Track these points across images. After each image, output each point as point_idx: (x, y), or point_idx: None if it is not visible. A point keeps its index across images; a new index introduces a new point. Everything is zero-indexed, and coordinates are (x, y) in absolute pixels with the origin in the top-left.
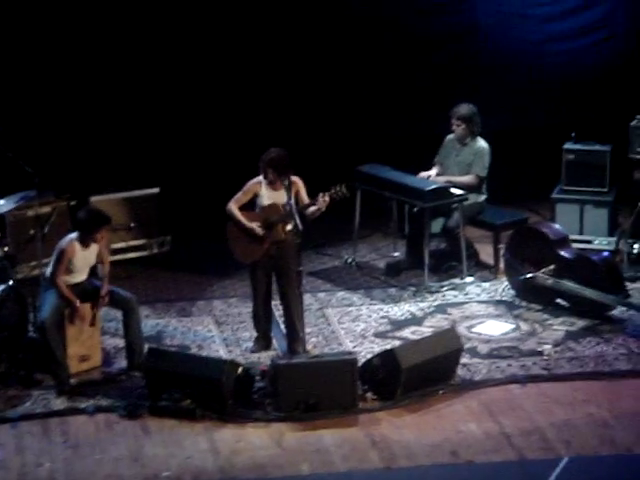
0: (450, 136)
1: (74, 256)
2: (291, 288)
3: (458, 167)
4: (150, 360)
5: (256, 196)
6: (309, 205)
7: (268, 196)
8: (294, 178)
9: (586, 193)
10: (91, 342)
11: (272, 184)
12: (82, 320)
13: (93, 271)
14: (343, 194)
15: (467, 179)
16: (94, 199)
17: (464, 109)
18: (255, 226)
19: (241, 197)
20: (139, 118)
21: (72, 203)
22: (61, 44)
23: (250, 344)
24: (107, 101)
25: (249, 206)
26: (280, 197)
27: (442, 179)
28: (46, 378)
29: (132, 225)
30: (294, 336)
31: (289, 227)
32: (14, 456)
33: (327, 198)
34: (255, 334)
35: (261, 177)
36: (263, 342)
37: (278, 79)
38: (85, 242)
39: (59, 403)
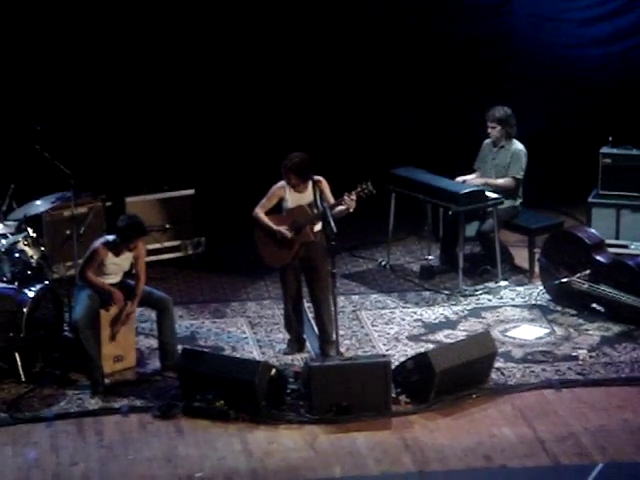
0: (487, 141)
1: (106, 258)
2: (321, 290)
3: (495, 170)
4: (184, 361)
5: (281, 200)
6: (335, 205)
7: (293, 199)
8: (317, 178)
9: (623, 197)
10: (125, 342)
11: (296, 187)
12: (119, 301)
13: (127, 273)
14: (370, 191)
15: (504, 181)
16: (129, 200)
17: (499, 111)
18: (283, 229)
19: (266, 203)
20: (175, 119)
21: (108, 204)
22: (99, 47)
23: (283, 346)
24: (144, 102)
25: (275, 210)
26: (305, 199)
27: (479, 181)
28: (81, 378)
29: (167, 226)
30: (326, 338)
31: (317, 228)
32: (49, 455)
33: (354, 196)
34: (288, 337)
35: (281, 182)
36: (296, 344)
37: (315, 80)
38: (118, 248)
39: (93, 403)
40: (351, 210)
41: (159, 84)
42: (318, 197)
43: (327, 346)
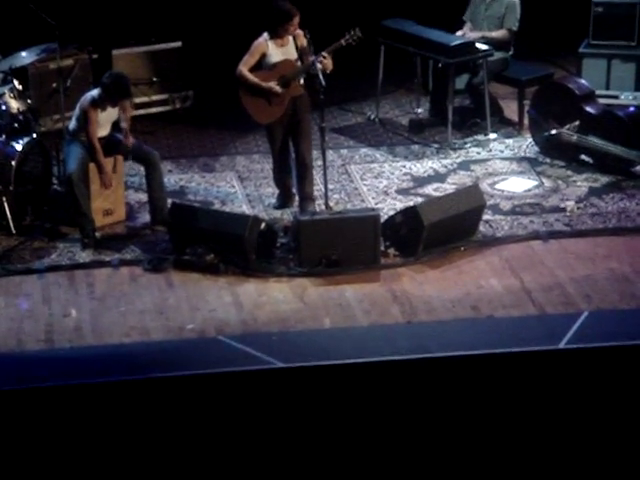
0: None
1: (95, 114)
2: (307, 149)
3: (487, 21)
4: (174, 215)
5: (264, 56)
6: (316, 60)
7: (276, 53)
8: (298, 31)
9: (614, 47)
10: (115, 196)
11: (277, 39)
12: (108, 184)
13: (115, 126)
14: (358, 37)
15: (501, 34)
16: (116, 52)
17: None
18: (273, 84)
19: (249, 59)
20: None
21: (94, 56)
22: None
23: (273, 200)
24: None
25: (257, 67)
26: (289, 52)
27: (475, 35)
28: (71, 231)
29: (154, 79)
30: (304, 196)
31: (302, 81)
32: (41, 306)
33: (343, 43)
34: (277, 191)
35: (265, 35)
36: (286, 199)
37: None
38: (105, 104)
39: (84, 256)
40: (327, 71)
41: None
42: (301, 50)
43: (306, 203)
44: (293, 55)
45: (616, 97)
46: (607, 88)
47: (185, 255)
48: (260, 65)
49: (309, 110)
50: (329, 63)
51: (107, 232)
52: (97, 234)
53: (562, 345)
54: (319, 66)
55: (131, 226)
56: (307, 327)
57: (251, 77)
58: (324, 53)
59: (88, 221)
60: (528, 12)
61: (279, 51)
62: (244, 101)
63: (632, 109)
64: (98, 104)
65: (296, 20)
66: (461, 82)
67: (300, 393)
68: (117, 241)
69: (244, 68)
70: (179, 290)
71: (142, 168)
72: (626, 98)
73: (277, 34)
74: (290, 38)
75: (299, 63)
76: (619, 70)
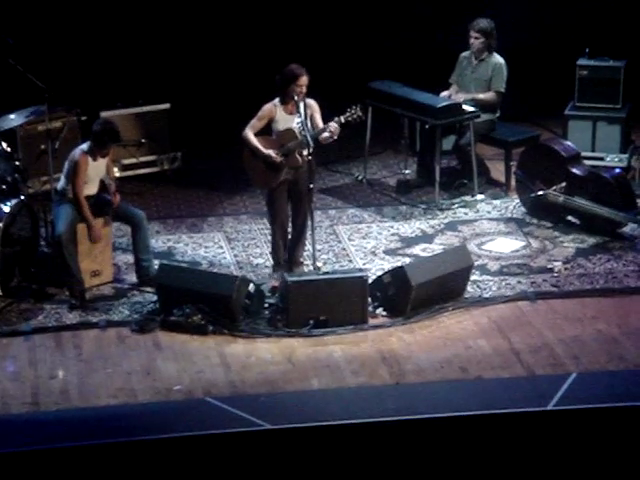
0: (464, 53)
1: (87, 166)
2: (304, 219)
3: (475, 83)
4: (161, 276)
5: (271, 121)
6: (323, 130)
7: (284, 120)
8: (309, 101)
9: (599, 109)
10: (102, 257)
11: (287, 105)
12: (97, 238)
13: (103, 186)
14: (359, 117)
15: (489, 96)
16: (105, 114)
17: (484, 22)
18: (273, 153)
19: (256, 123)
20: (150, 32)
21: (83, 118)
22: None
23: (261, 261)
24: (119, 15)
25: (265, 131)
26: (296, 121)
27: (464, 97)
28: (59, 292)
29: (143, 141)
30: (294, 260)
31: (305, 152)
32: (27, 368)
33: (343, 120)
34: (268, 251)
35: (276, 100)
36: (282, 268)
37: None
38: (95, 154)
39: (72, 317)
40: (335, 137)
41: None
42: (309, 120)
43: (295, 267)
44: (298, 122)
45: (602, 159)
46: (593, 150)
47: (172, 316)
48: (268, 129)
49: (313, 180)
50: (337, 130)
51: (95, 293)
52: (85, 295)
53: (551, 406)
54: (322, 135)
55: (119, 287)
56: (295, 388)
57: (254, 141)
58: (330, 128)
59: (77, 282)
60: (514, 74)
61: (286, 118)
62: (246, 163)
63: (618, 171)
64: (89, 155)
65: (302, 80)
66: (448, 143)
67: (288, 455)
68: (104, 302)
69: (250, 131)
70: (166, 351)
71: (129, 229)
72: (612, 160)
73: (285, 98)
74: (301, 105)
75: (304, 134)
76: (604, 132)
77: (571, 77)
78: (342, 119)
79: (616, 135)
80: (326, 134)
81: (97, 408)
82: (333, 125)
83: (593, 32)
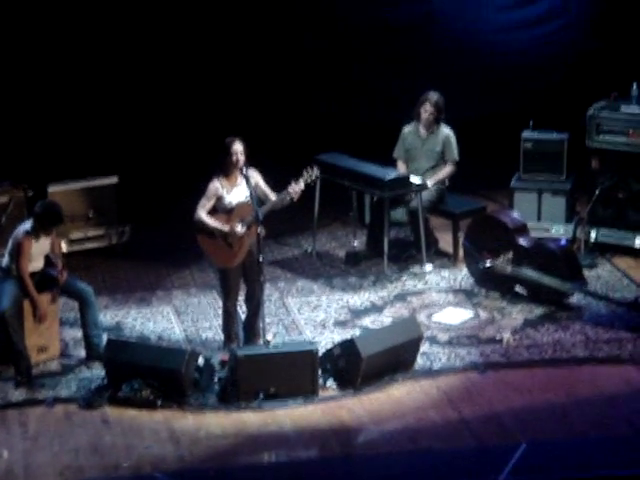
0: (408, 127)
1: (30, 247)
2: (261, 289)
3: (426, 156)
4: (109, 351)
5: (219, 199)
6: (283, 198)
7: (232, 195)
8: (250, 171)
9: (544, 181)
10: (49, 333)
11: (229, 177)
12: (42, 318)
13: (48, 261)
14: (316, 176)
15: (448, 170)
16: (52, 189)
17: (437, 96)
18: (237, 227)
19: (206, 203)
20: (95, 107)
21: (29, 193)
22: (19, 33)
23: (210, 334)
24: (64, 90)
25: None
26: (243, 193)
27: (430, 182)
28: (3, 369)
29: (91, 215)
30: (254, 334)
31: (257, 224)
32: None
33: (301, 185)
34: (219, 328)
35: (219, 177)
36: (233, 343)
37: (235, 67)
38: (38, 234)
39: (17, 394)
40: (295, 199)
41: (78, 68)
42: (254, 191)
43: (256, 340)
44: (247, 195)
45: (548, 230)
46: (539, 220)
47: (121, 391)
48: (215, 208)
49: (262, 252)
50: (298, 191)
51: (41, 369)
52: (32, 371)
53: (501, 479)
54: (288, 199)
55: (66, 363)
56: (246, 462)
57: (212, 221)
58: (290, 191)
59: (23, 358)
60: (461, 147)
61: (234, 192)
62: (203, 245)
63: (563, 242)
64: (32, 235)
65: (235, 148)
66: (397, 214)
67: None
68: (51, 378)
69: (203, 212)
70: (115, 427)
71: (77, 304)
72: (557, 231)
73: (226, 170)
74: (243, 180)
75: (249, 199)
76: (550, 203)
77: (516, 149)
78: (301, 182)
79: (561, 206)
80: (286, 197)
81: None
82: (293, 190)
83: (537, 104)
